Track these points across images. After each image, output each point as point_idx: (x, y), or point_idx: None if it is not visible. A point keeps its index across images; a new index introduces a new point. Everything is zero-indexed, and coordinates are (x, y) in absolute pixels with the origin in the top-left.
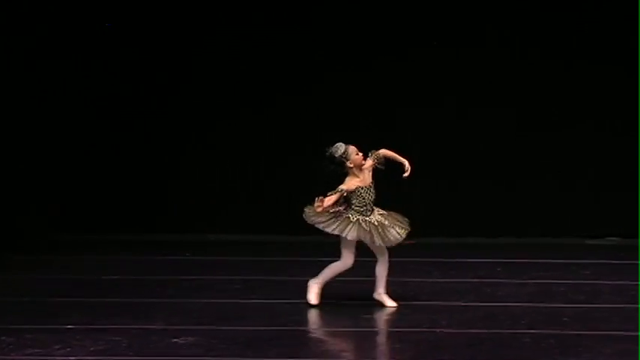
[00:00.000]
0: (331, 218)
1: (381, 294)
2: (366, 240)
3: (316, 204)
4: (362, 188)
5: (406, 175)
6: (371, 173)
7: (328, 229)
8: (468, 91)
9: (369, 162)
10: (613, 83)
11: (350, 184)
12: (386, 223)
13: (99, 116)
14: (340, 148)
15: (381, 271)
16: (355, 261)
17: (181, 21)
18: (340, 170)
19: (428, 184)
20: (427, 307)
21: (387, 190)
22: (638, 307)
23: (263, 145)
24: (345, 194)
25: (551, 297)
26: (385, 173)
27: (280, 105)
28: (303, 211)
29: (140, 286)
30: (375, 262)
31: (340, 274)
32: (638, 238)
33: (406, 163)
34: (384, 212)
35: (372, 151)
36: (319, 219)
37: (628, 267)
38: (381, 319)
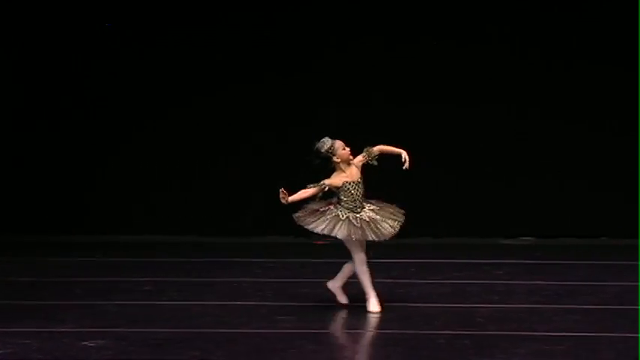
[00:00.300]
0: (320, 217)
1: (337, 287)
2: (358, 236)
3: (280, 196)
4: (349, 183)
5: (406, 166)
6: (360, 169)
7: (317, 230)
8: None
9: (359, 158)
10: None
11: (336, 179)
12: (377, 217)
13: (11, 117)
14: (326, 142)
15: (349, 269)
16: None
17: (104, 22)
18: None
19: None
20: (340, 308)
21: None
22: (551, 307)
23: (178, 147)
24: (325, 189)
25: (466, 297)
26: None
27: (213, 103)
28: (293, 216)
29: (50, 288)
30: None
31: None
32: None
33: (403, 153)
34: (376, 206)
35: (367, 148)
36: (308, 219)
37: (542, 267)
38: (297, 320)
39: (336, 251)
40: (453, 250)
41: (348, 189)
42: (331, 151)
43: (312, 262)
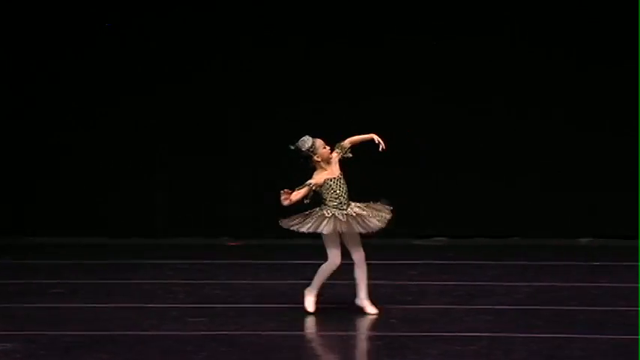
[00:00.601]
0: (305, 218)
1: (362, 299)
2: (344, 229)
3: (282, 197)
4: (331, 180)
5: (382, 148)
6: (338, 165)
7: (303, 229)
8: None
9: (334, 154)
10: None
11: (318, 177)
12: (364, 213)
13: None
14: (307, 141)
15: (360, 274)
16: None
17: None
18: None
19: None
20: (252, 310)
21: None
22: (463, 307)
23: (90, 150)
24: (314, 188)
25: (379, 298)
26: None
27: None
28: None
29: None
30: (353, 265)
31: (331, 275)
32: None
33: (375, 137)
34: (362, 204)
35: (338, 144)
36: (294, 222)
37: (454, 267)
38: (209, 322)
39: (247, 251)
40: (365, 251)
41: (330, 185)
42: (312, 150)
43: (225, 263)
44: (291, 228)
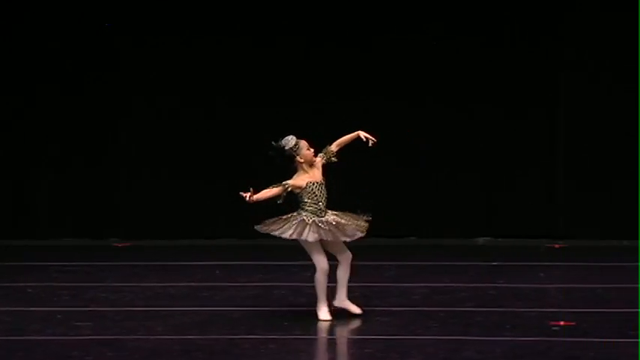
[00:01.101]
0: (285, 224)
1: (343, 301)
2: (329, 238)
3: (246, 194)
4: (313, 184)
5: (371, 142)
6: (321, 170)
7: (285, 235)
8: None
9: (318, 159)
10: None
11: (298, 179)
12: (342, 221)
13: None
14: (291, 141)
15: (342, 275)
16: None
17: None
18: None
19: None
20: (142, 313)
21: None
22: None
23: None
24: (288, 189)
25: (272, 301)
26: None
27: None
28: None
29: None
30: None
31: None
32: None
33: (361, 134)
34: (338, 212)
35: (325, 149)
36: (272, 227)
37: (355, 268)
38: (95, 326)
39: (135, 253)
40: (259, 252)
41: (312, 190)
42: (295, 150)
43: (112, 265)
44: (271, 233)
